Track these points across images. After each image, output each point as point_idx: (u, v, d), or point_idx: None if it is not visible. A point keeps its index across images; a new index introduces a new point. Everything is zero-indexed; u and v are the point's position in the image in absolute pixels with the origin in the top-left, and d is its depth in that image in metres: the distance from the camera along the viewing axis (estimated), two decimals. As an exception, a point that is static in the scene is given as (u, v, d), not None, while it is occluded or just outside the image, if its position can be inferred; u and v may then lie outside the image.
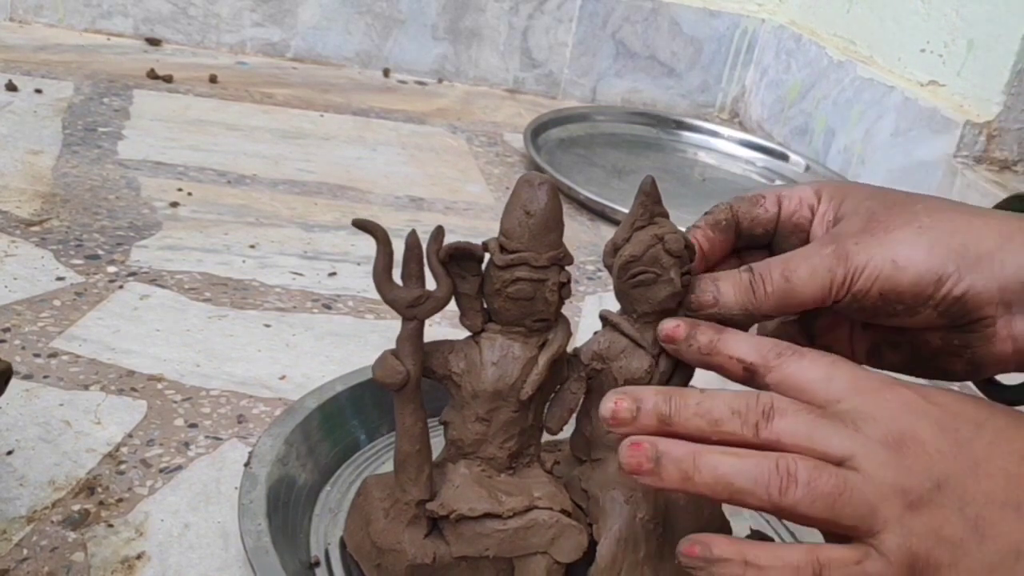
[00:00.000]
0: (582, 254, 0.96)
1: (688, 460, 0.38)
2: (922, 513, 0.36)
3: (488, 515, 0.47)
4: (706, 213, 0.49)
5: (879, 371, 0.42)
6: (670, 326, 0.45)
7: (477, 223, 0.99)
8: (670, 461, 0.38)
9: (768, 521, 0.60)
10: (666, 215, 0.48)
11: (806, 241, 0.47)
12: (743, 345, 0.43)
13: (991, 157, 1.12)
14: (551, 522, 0.47)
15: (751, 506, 0.38)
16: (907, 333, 0.47)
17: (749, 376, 0.42)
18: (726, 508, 0.53)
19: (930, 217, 0.44)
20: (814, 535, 0.58)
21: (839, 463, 0.37)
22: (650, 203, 0.46)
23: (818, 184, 0.49)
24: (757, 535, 0.58)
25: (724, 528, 0.51)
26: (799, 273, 0.44)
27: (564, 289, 0.46)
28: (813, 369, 0.41)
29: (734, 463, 0.37)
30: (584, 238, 1.01)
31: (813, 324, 0.50)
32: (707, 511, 0.50)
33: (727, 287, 0.45)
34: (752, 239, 0.49)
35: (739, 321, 0.46)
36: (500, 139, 1.29)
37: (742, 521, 0.59)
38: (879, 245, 0.43)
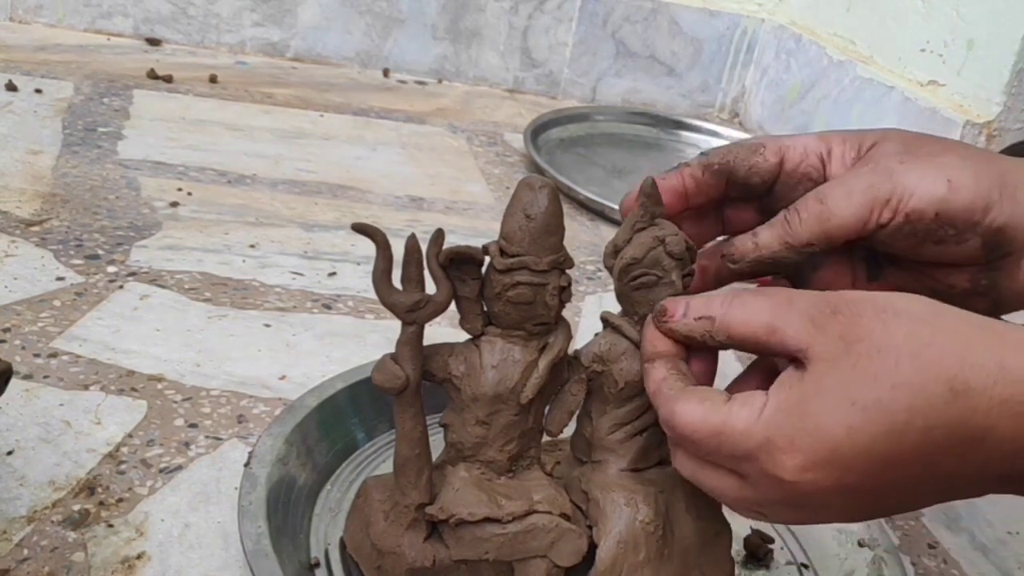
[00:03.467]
0: (582, 254, 0.96)
1: None
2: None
3: (487, 519, 0.47)
4: (701, 153, 0.47)
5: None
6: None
7: (477, 223, 0.99)
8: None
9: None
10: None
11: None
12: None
13: (991, 157, 1.12)
14: (551, 526, 0.47)
15: None
16: (926, 279, 0.45)
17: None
18: (726, 509, 0.53)
19: (964, 148, 0.43)
20: (816, 537, 0.59)
21: None
22: (651, 204, 0.46)
23: (822, 134, 0.46)
24: (757, 535, 0.58)
25: (724, 530, 0.51)
26: (834, 194, 0.42)
27: (564, 293, 0.46)
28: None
29: None
30: (584, 238, 1.01)
31: (811, 277, 0.47)
32: (707, 512, 0.50)
33: (762, 229, 0.44)
34: (746, 189, 0.47)
35: (787, 262, 0.44)
36: (500, 139, 1.29)
37: (742, 520, 0.59)
38: (928, 166, 0.41)
